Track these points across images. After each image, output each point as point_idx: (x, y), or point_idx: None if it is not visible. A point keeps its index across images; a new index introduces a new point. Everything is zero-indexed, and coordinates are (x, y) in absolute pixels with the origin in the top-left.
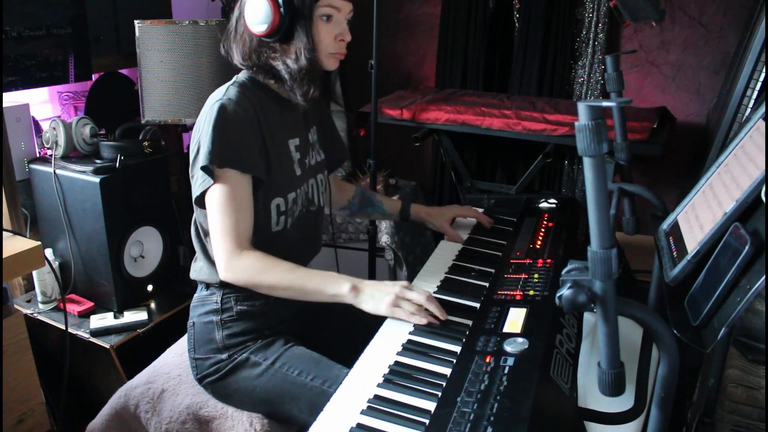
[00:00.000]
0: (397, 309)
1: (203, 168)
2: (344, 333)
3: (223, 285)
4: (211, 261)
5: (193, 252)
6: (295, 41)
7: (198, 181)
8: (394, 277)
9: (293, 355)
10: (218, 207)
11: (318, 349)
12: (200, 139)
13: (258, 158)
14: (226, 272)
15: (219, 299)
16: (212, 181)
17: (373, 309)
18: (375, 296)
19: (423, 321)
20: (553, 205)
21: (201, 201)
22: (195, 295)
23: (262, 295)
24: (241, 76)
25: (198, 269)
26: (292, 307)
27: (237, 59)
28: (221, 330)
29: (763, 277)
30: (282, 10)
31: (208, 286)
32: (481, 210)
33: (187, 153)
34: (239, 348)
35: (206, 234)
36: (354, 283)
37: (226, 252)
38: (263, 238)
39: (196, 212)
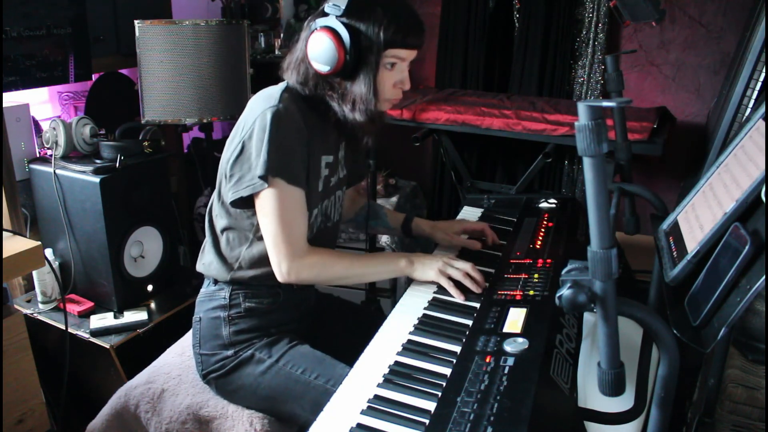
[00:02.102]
0: (443, 275)
1: (261, 177)
2: (348, 332)
3: (232, 281)
4: (222, 257)
5: (193, 251)
6: (354, 87)
7: (243, 183)
8: (393, 277)
9: (298, 354)
10: (274, 214)
11: (322, 349)
12: (248, 139)
13: (302, 169)
14: (289, 275)
15: (227, 295)
16: (265, 185)
17: (422, 275)
18: (425, 264)
19: (461, 297)
20: (553, 205)
21: (238, 203)
22: (202, 290)
23: (271, 293)
24: (291, 82)
25: (207, 263)
26: (300, 306)
27: (294, 80)
28: (228, 326)
29: (763, 277)
30: (348, 56)
31: (216, 281)
32: (480, 210)
33: (187, 153)
34: (245, 345)
35: (222, 230)
36: (408, 257)
37: (289, 257)
38: None
39: (219, 208)
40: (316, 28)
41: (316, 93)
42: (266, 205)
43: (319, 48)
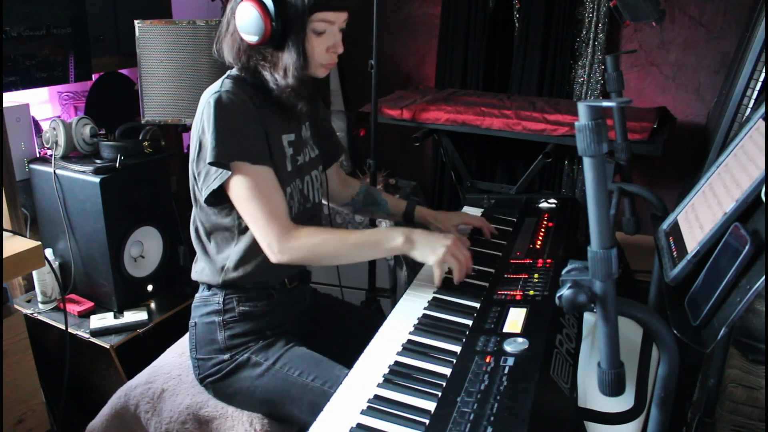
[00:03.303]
0: (443, 265)
1: (212, 164)
2: (345, 333)
3: (225, 285)
4: (212, 261)
5: (193, 252)
6: (284, 54)
7: (211, 177)
8: (394, 277)
9: (294, 356)
10: (248, 197)
11: (319, 350)
12: (201, 135)
13: (262, 147)
14: (281, 255)
15: (221, 300)
16: (230, 173)
17: (421, 257)
18: (427, 247)
19: (438, 281)
20: (553, 205)
21: (212, 199)
22: (196, 295)
23: (265, 295)
24: (235, 70)
25: (199, 270)
26: (295, 307)
27: (228, 58)
28: (223, 330)
29: (763, 277)
30: (274, 23)
31: (209, 286)
32: (480, 210)
33: (188, 153)
34: (241, 348)
35: (207, 234)
36: (407, 234)
37: (276, 237)
38: None
39: (198, 212)
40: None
41: (248, 65)
42: (239, 191)
43: (245, 19)
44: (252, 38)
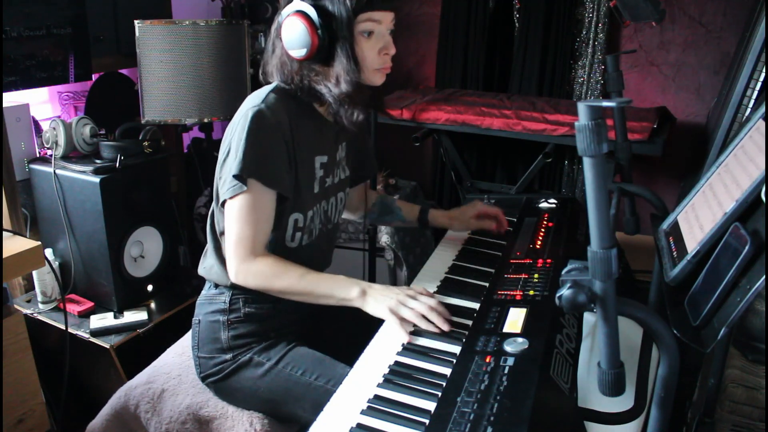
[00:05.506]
0: (395, 315)
1: (235, 176)
2: (347, 333)
3: (233, 286)
4: (223, 260)
5: (193, 252)
6: (336, 64)
7: (227, 185)
8: (393, 277)
9: (297, 355)
10: (239, 215)
11: (322, 349)
12: (231, 143)
13: (285, 174)
14: (237, 277)
15: (227, 299)
16: (244, 188)
17: (374, 310)
18: (378, 299)
19: (406, 339)
20: (553, 205)
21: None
22: (202, 292)
23: (271, 298)
24: (283, 83)
25: (208, 267)
26: (300, 311)
27: (277, 80)
28: (227, 330)
29: (763, 277)
30: (320, 32)
31: (217, 285)
32: None
33: (187, 153)
34: (243, 349)
35: (221, 233)
36: (363, 287)
37: (238, 258)
38: (277, 252)
39: (216, 210)
40: (285, 16)
41: (302, 85)
42: (237, 204)
43: (291, 34)
44: (299, 52)
